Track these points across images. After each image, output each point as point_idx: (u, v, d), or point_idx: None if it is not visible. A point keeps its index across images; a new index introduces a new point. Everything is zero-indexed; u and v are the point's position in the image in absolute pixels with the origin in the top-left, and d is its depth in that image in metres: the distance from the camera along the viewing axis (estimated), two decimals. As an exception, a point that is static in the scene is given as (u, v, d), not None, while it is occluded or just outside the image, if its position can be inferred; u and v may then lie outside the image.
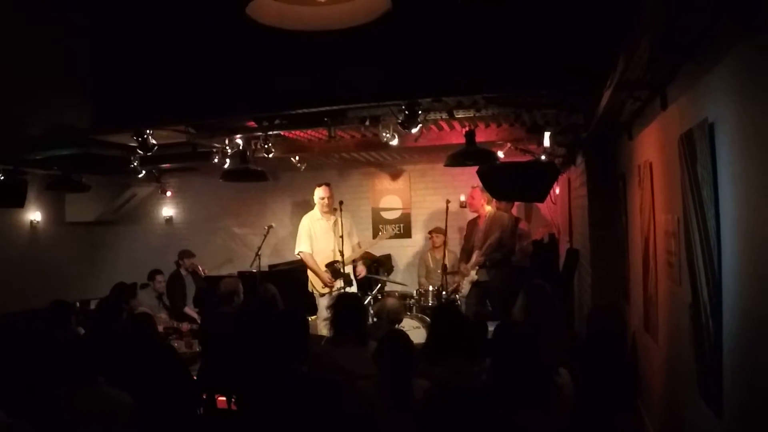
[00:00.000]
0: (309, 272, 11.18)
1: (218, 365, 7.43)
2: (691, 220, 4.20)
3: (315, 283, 11.09)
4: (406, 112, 7.25)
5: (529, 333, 5.08)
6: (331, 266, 11.00)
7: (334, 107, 7.72)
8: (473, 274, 11.35)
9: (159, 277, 12.43)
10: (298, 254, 11.25)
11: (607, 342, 6.74)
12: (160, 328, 10.60)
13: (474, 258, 11.42)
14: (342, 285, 10.89)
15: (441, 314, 6.50)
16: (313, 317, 10.93)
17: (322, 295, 11.02)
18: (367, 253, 12.18)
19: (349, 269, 11.10)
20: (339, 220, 10.88)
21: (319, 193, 11.20)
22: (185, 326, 11.15)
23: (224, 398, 7.56)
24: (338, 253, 10.78)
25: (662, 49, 4.07)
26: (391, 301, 8.40)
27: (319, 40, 5.11)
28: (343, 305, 6.50)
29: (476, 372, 5.64)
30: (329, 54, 6.75)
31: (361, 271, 11.42)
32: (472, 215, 12.24)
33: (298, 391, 5.21)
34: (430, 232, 13.15)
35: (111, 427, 5.02)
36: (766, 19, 2.78)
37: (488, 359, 5.35)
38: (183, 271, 13.33)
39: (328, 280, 10.95)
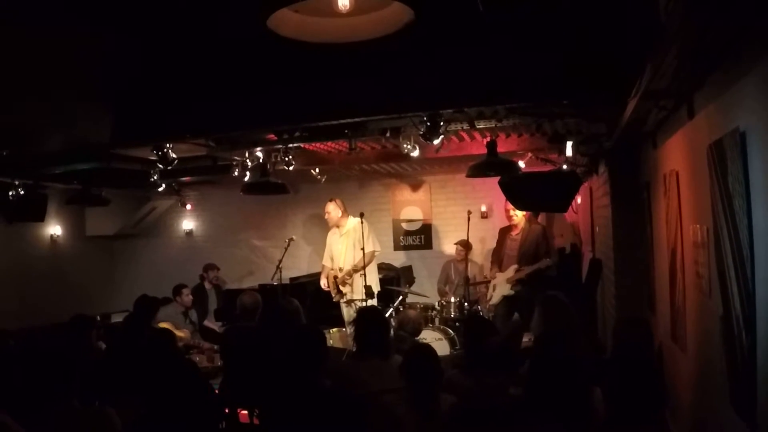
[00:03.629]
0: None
1: (240, 379, 7.40)
2: (721, 231, 4.14)
3: (334, 296, 11.33)
4: (428, 124, 7.21)
5: (567, 347, 5.01)
6: (334, 281, 11.19)
7: (355, 119, 7.68)
8: (508, 288, 11.30)
9: (185, 291, 12.36)
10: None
11: (633, 356, 6.68)
12: (180, 344, 10.67)
13: (511, 272, 11.34)
14: (347, 295, 11.09)
15: (473, 325, 6.48)
16: (335, 330, 10.91)
17: (349, 304, 11.25)
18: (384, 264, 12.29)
19: (359, 279, 11.17)
20: (358, 233, 10.98)
21: (328, 208, 11.46)
22: (206, 345, 11.19)
23: (246, 412, 7.53)
24: (348, 265, 11.18)
25: (690, 58, 4.01)
26: (411, 313, 8.36)
27: (340, 51, 5.09)
28: (364, 319, 6.48)
29: (502, 382, 5.65)
30: (350, 66, 6.71)
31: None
32: (500, 224, 12.20)
33: (321, 406, 5.17)
34: (456, 244, 13.06)
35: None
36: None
37: (519, 371, 5.30)
38: (207, 285, 13.31)
39: (334, 292, 11.13)
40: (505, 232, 11.82)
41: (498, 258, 11.74)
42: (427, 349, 5.44)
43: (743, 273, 3.72)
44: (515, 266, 11.34)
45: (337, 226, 11.58)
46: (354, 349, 6.65)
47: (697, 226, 4.98)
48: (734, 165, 3.78)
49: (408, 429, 4.99)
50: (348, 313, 11.09)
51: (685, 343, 5.78)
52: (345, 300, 11.20)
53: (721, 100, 4.16)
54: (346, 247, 11.35)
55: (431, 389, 5.10)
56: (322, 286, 11.55)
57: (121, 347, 7.85)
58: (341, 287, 11.30)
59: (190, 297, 12.37)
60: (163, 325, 10.82)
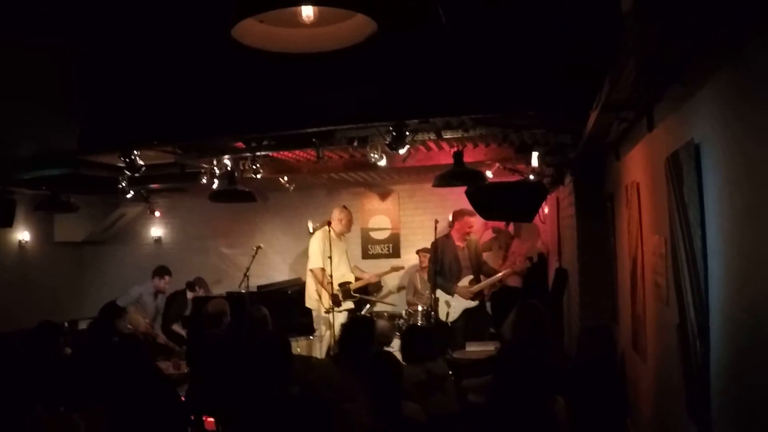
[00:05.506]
0: (317, 289, 11.34)
1: (206, 387, 7.41)
2: (677, 241, 4.20)
3: (324, 301, 11.19)
4: (394, 133, 7.27)
5: (533, 356, 5.06)
6: (343, 287, 11.13)
7: (322, 128, 7.72)
8: (468, 300, 11.38)
9: (167, 277, 12.54)
10: (311, 270, 11.39)
11: (596, 364, 6.74)
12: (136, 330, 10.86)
13: (466, 282, 11.42)
14: (347, 306, 11.10)
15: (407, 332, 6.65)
16: (305, 337, 10.92)
17: (328, 312, 11.04)
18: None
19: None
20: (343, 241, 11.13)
21: (343, 215, 11.50)
22: (161, 338, 11.54)
23: (212, 420, 7.53)
24: (345, 275, 11.06)
25: (648, 71, 4.07)
26: (382, 323, 8.41)
27: (306, 61, 5.12)
28: (355, 328, 6.55)
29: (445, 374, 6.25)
30: (316, 75, 6.75)
31: None
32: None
33: (285, 413, 5.19)
34: (418, 252, 13.11)
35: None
36: (751, 40, 2.78)
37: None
38: (189, 294, 13.28)
39: (338, 300, 11.06)
40: (443, 243, 11.78)
41: (446, 271, 11.69)
42: (389, 357, 5.47)
43: (697, 282, 3.77)
44: (470, 277, 11.42)
45: (343, 235, 11.64)
46: (334, 353, 6.68)
47: (656, 236, 5.04)
48: (689, 177, 3.84)
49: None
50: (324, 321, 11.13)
51: (645, 353, 5.83)
52: (342, 310, 11.21)
53: (679, 112, 4.22)
54: (341, 256, 11.43)
55: (393, 397, 5.14)
56: (336, 301, 11.28)
57: (87, 354, 7.83)
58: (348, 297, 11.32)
59: (167, 285, 12.46)
60: (130, 309, 10.97)
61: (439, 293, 11.44)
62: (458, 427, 6.46)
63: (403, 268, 13.67)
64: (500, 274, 11.51)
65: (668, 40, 3.50)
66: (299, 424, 5.16)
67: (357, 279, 11.73)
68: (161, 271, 12.50)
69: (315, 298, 11.37)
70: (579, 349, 7.19)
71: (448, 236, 11.85)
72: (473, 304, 11.41)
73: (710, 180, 3.56)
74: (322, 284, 11.22)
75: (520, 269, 11.55)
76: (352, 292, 11.21)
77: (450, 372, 7.34)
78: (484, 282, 11.49)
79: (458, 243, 11.70)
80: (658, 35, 3.41)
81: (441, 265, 11.63)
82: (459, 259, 11.65)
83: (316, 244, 11.50)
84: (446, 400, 6.50)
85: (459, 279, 11.53)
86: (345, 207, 11.76)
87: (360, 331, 6.44)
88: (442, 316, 11.33)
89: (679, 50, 3.67)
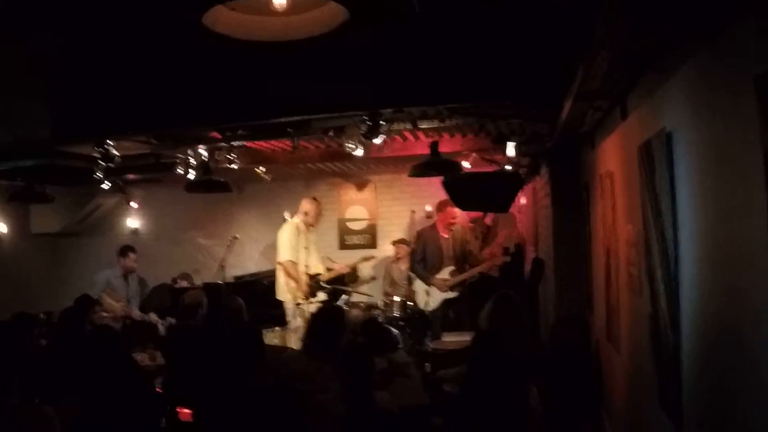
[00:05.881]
0: (287, 281, 11.23)
1: (182, 378, 7.37)
2: (650, 230, 4.19)
3: (294, 293, 11.13)
4: (369, 123, 7.24)
5: (506, 346, 5.04)
6: (314, 278, 11.07)
7: (297, 118, 7.68)
8: (447, 291, 11.42)
9: (132, 255, 12.18)
10: (280, 262, 11.30)
11: (570, 354, 6.74)
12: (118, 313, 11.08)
13: (446, 274, 11.44)
14: (323, 297, 11.03)
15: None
16: (280, 328, 10.92)
17: (298, 305, 11.00)
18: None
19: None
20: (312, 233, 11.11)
21: (311, 207, 11.39)
22: (136, 314, 11.44)
23: (188, 411, 7.49)
24: (315, 267, 11.03)
25: (621, 60, 4.06)
26: (355, 313, 8.39)
27: (280, 50, 5.09)
28: (323, 316, 6.53)
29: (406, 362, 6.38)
30: (291, 64, 6.71)
31: None
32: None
33: (257, 403, 5.16)
34: (393, 243, 13.10)
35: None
36: (722, 27, 2.77)
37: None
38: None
39: (309, 292, 10.99)
40: (429, 233, 11.83)
41: (428, 261, 11.73)
42: (361, 348, 5.46)
43: (669, 272, 3.76)
44: (451, 268, 11.44)
45: (312, 226, 11.56)
46: (305, 344, 6.64)
47: (630, 226, 5.03)
48: (661, 165, 3.83)
49: (345, 427, 5.00)
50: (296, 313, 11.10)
51: (619, 343, 5.83)
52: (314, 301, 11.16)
53: (651, 101, 4.20)
54: (310, 248, 11.38)
55: (366, 387, 5.12)
56: (306, 293, 11.22)
57: (60, 345, 7.78)
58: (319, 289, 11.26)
59: (135, 263, 12.28)
60: (104, 296, 11.09)
61: (420, 282, 11.55)
62: (431, 416, 6.46)
63: (373, 257, 13.69)
64: (478, 268, 11.48)
65: (641, 29, 3.48)
66: (273, 415, 5.14)
67: (328, 270, 11.67)
68: (125, 250, 12.28)
69: (285, 290, 11.31)
70: (553, 339, 7.19)
71: (433, 227, 11.89)
72: (453, 294, 11.43)
73: (682, 168, 3.55)
74: (291, 277, 11.17)
75: (500, 263, 11.53)
76: (322, 284, 11.15)
77: (410, 360, 7.35)
78: (460, 276, 11.48)
79: (443, 233, 11.72)
80: (630, 24, 3.39)
81: (423, 254, 11.70)
82: (442, 249, 11.68)
83: (284, 237, 11.44)
84: (413, 386, 6.51)
85: (440, 269, 11.56)
86: (314, 198, 11.67)
87: (329, 321, 6.41)
88: (421, 305, 11.38)
89: (651, 39, 3.65)
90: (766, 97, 2.30)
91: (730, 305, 2.90)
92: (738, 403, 2.83)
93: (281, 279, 11.33)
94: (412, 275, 11.72)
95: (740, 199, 2.69)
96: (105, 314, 11.23)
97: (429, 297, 11.43)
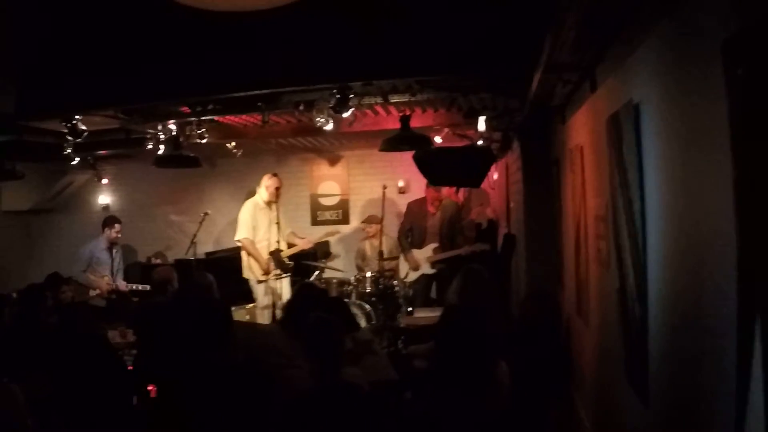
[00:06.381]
0: (247, 259, 11.18)
1: (153, 355, 7.32)
2: (617, 204, 4.16)
3: (254, 270, 11.09)
4: (338, 96, 7.19)
5: (474, 320, 5.00)
6: (275, 254, 10.98)
7: (265, 91, 7.60)
8: (427, 267, 11.43)
9: (117, 226, 12.26)
10: (237, 241, 11.23)
11: (539, 330, 6.73)
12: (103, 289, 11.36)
13: (430, 251, 11.46)
14: (280, 273, 10.93)
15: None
16: (250, 305, 10.93)
17: (260, 282, 10.99)
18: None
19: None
20: (278, 209, 10.97)
21: (270, 183, 11.25)
22: (122, 285, 11.68)
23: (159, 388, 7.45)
24: (278, 243, 10.87)
25: (588, 29, 4.00)
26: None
27: (249, 22, 5.02)
28: (302, 294, 6.50)
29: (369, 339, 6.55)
30: (260, 36, 6.64)
31: None
32: (411, 200, 12.28)
33: (226, 380, 5.13)
34: (363, 223, 13.04)
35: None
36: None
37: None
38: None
39: (269, 268, 10.93)
40: (417, 207, 11.87)
41: (413, 234, 11.78)
42: (327, 322, 5.41)
43: (636, 246, 3.73)
44: (435, 245, 11.43)
45: (273, 203, 11.44)
46: (282, 320, 6.62)
47: (599, 199, 5.01)
48: (628, 137, 3.79)
49: (312, 403, 4.96)
50: (260, 290, 11.07)
51: (588, 318, 5.81)
52: (275, 276, 11.11)
53: (619, 72, 4.17)
54: (272, 223, 11.27)
55: (333, 362, 5.08)
56: (266, 269, 11.19)
57: (23, 323, 7.70)
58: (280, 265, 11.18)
59: (119, 234, 12.31)
60: (88, 276, 11.45)
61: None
62: (402, 392, 6.44)
63: (338, 232, 13.75)
64: (456, 251, 11.42)
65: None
66: (240, 391, 5.10)
67: (290, 246, 11.59)
68: (111, 221, 12.28)
69: (247, 268, 11.27)
70: (523, 314, 7.18)
71: (422, 200, 11.95)
72: (431, 270, 11.45)
73: (649, 140, 3.51)
74: (251, 254, 11.14)
75: (478, 250, 11.45)
76: (284, 260, 11.08)
77: (374, 338, 7.37)
78: (440, 255, 11.48)
79: (429, 208, 11.71)
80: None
81: (410, 228, 11.75)
82: (426, 225, 11.73)
83: (241, 215, 11.38)
84: (380, 362, 6.49)
85: (421, 245, 11.61)
86: (274, 174, 11.54)
87: (308, 299, 6.38)
88: (402, 275, 11.64)
89: (617, 7, 3.59)
90: (733, 64, 2.24)
91: (695, 280, 2.86)
92: (701, 380, 2.80)
93: (244, 257, 11.29)
94: (384, 250, 11.69)
95: (707, 172, 2.64)
96: (93, 292, 11.29)
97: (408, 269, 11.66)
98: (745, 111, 2.17)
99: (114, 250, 12.21)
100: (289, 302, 6.55)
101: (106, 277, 11.70)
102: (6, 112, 8.12)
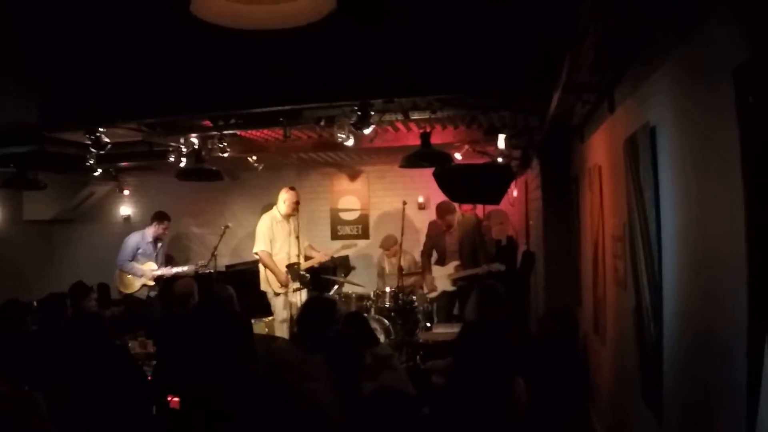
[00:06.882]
0: (264, 272, 11.19)
1: (173, 366, 7.37)
2: (634, 224, 4.20)
3: (272, 283, 11.11)
4: (359, 113, 7.24)
5: (492, 336, 5.03)
6: (291, 268, 11.00)
7: (288, 107, 7.67)
8: (449, 284, 11.44)
9: (166, 222, 12.49)
10: (255, 253, 11.27)
11: (557, 347, 6.75)
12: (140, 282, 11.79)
13: (452, 269, 11.48)
14: (299, 286, 10.96)
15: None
16: (269, 318, 10.97)
17: (278, 294, 11.03)
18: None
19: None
20: (296, 223, 10.99)
21: (288, 197, 11.26)
22: (168, 270, 12.09)
23: (178, 399, 7.50)
24: (295, 256, 10.90)
25: (606, 51, 4.05)
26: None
27: (272, 39, 5.07)
28: (313, 306, 6.52)
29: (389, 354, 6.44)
30: (283, 52, 6.70)
31: None
32: (430, 217, 12.30)
33: (247, 393, 5.17)
34: (380, 247, 13.06)
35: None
36: (701, 21, 2.77)
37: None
38: None
39: (286, 281, 10.97)
40: (436, 227, 11.91)
41: (435, 252, 11.83)
42: (350, 336, 5.45)
43: (652, 265, 3.77)
44: (456, 263, 11.45)
45: (292, 216, 11.47)
46: (295, 334, 6.65)
47: (616, 219, 5.05)
48: (645, 159, 3.84)
49: (331, 416, 5.00)
50: (278, 303, 11.11)
51: (605, 336, 5.84)
52: (293, 289, 11.14)
53: (637, 94, 4.22)
54: (294, 237, 11.30)
55: (354, 377, 5.12)
56: (283, 282, 11.17)
57: (45, 331, 7.79)
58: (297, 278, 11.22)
59: (166, 231, 12.58)
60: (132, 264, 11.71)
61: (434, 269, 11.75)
62: (419, 407, 6.47)
63: (355, 245, 13.76)
64: (474, 270, 11.40)
65: (622, 21, 3.48)
66: (260, 404, 5.14)
67: (307, 258, 11.61)
68: (161, 216, 12.40)
69: (265, 281, 11.31)
70: (541, 331, 7.21)
71: (437, 220, 11.97)
72: (451, 288, 11.47)
73: (665, 162, 3.56)
74: (268, 267, 11.17)
75: (495, 270, 11.43)
76: (300, 272, 11.11)
77: (393, 353, 7.36)
78: (459, 273, 11.47)
79: (443, 226, 11.74)
80: (610, 16, 3.39)
81: (430, 248, 11.82)
82: (445, 243, 11.73)
83: (258, 228, 11.40)
84: (398, 377, 6.51)
85: (443, 263, 11.64)
86: (292, 188, 11.53)
87: (319, 312, 6.41)
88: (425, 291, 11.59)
89: (634, 31, 3.65)
90: (743, 89, 2.29)
91: (708, 301, 2.91)
92: (713, 397, 2.84)
93: (261, 270, 11.32)
94: (404, 266, 11.72)
95: (719, 194, 2.69)
96: (138, 281, 11.83)
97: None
98: (756, 137, 2.22)
99: (158, 244, 12.44)
100: (301, 317, 6.55)
101: (150, 263, 11.90)
102: (30, 123, 8.22)
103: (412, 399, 4.63)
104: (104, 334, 7.02)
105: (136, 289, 12.00)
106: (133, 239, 12.21)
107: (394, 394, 4.61)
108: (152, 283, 12.05)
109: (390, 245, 12.45)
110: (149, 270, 11.90)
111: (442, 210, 11.71)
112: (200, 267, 11.99)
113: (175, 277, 11.37)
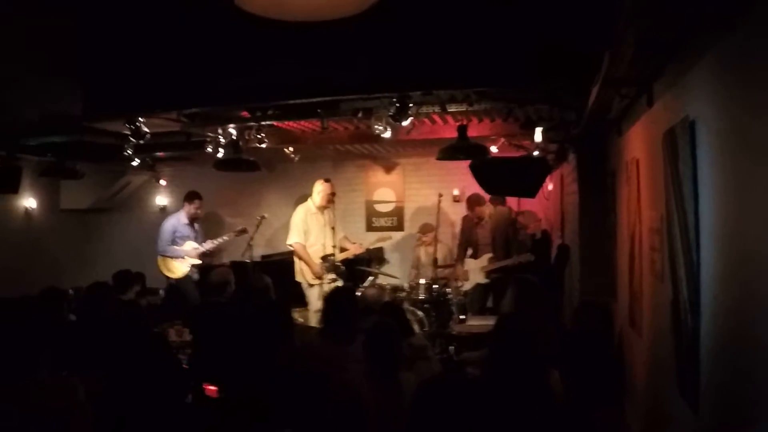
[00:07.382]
0: (299, 263, 11.27)
1: (208, 355, 7.44)
2: (672, 217, 4.22)
3: (306, 274, 11.19)
4: (397, 105, 7.28)
5: (529, 329, 5.05)
6: (326, 259, 11.08)
7: (326, 98, 7.72)
8: (482, 276, 11.46)
9: (198, 201, 12.72)
10: (289, 245, 11.34)
11: (591, 339, 6.77)
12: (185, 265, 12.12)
13: (485, 261, 11.53)
14: (334, 277, 11.04)
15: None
16: (300, 309, 11.04)
17: (312, 286, 11.11)
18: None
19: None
20: (332, 214, 11.06)
21: (323, 188, 11.34)
22: (209, 246, 12.62)
23: (214, 387, 7.56)
24: (330, 247, 10.98)
25: (646, 46, 4.07)
26: (370, 292, 8.43)
27: (312, 30, 5.11)
28: (335, 298, 6.55)
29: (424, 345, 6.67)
30: (322, 44, 6.74)
31: None
32: (465, 209, 12.33)
33: (281, 382, 5.23)
34: (418, 232, 13.12)
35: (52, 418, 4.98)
36: (743, 16, 2.79)
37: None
38: None
39: (321, 272, 11.03)
40: (468, 221, 11.97)
41: (469, 246, 11.88)
42: (388, 326, 5.49)
43: (690, 258, 3.79)
44: (489, 255, 11.48)
45: (326, 208, 11.53)
46: (321, 327, 6.69)
47: (654, 212, 5.06)
48: (684, 153, 3.85)
49: (369, 405, 5.05)
50: (312, 294, 11.17)
51: (641, 329, 5.85)
52: (328, 281, 11.20)
53: (676, 88, 4.23)
54: (329, 229, 11.36)
55: (391, 367, 5.17)
56: (318, 274, 11.27)
57: (85, 320, 7.88)
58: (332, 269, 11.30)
59: (199, 210, 12.81)
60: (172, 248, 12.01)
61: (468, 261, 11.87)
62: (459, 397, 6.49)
63: (390, 238, 13.76)
64: (504, 262, 11.42)
65: (664, 14, 3.50)
66: (299, 393, 5.20)
67: (342, 250, 11.66)
68: (191, 196, 12.67)
69: (299, 272, 11.37)
70: (576, 324, 7.21)
71: (468, 213, 12.05)
72: (484, 280, 11.51)
73: (704, 156, 3.57)
74: (302, 258, 11.23)
75: (525, 261, 11.45)
76: (335, 264, 11.19)
77: (428, 343, 7.40)
78: (492, 265, 11.51)
79: (475, 220, 11.80)
80: (654, 9, 3.41)
81: (464, 240, 11.99)
82: (477, 236, 11.90)
83: (293, 219, 11.47)
84: (432, 368, 6.55)
85: (476, 256, 11.79)
86: (327, 180, 11.60)
87: (341, 303, 6.45)
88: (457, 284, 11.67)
89: (676, 25, 3.67)
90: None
91: (746, 293, 2.93)
92: (751, 390, 2.86)
93: (296, 261, 11.40)
94: (439, 258, 11.77)
95: (757, 189, 2.71)
96: (182, 263, 12.18)
97: (466, 279, 11.84)
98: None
99: (195, 225, 12.68)
100: (328, 310, 6.57)
101: (190, 241, 12.16)
102: (71, 114, 8.31)
103: (474, 386, 4.63)
104: (144, 322, 7.12)
105: (184, 272, 12.12)
106: (169, 223, 12.44)
107: (452, 382, 4.65)
108: (199, 261, 12.28)
109: (427, 231, 12.49)
110: (191, 248, 12.01)
111: (471, 202, 11.80)
112: (239, 232, 12.57)
113: (212, 266, 11.48)
